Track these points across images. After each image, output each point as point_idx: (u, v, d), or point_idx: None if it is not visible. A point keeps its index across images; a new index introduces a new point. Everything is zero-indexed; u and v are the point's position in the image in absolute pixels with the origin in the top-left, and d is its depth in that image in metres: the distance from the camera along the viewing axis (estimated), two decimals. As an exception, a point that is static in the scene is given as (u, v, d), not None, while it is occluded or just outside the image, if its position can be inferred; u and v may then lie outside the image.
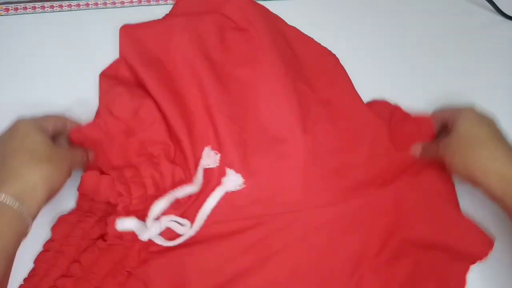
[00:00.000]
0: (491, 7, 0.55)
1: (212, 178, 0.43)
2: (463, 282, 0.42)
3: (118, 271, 0.39)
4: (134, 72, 0.46)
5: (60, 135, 0.40)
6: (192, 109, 0.44)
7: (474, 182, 0.39)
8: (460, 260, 0.42)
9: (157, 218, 0.40)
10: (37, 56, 0.48)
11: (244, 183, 0.42)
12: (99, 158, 0.42)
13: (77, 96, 0.46)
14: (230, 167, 0.43)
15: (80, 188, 0.41)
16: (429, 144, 0.44)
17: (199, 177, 0.42)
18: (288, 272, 0.41)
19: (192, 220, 0.41)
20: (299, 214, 0.42)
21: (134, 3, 0.52)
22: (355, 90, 0.49)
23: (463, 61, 0.53)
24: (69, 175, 0.37)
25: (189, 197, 0.42)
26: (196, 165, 0.43)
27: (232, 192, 0.42)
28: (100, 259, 0.38)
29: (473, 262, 0.42)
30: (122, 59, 0.47)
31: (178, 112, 0.44)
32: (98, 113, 0.45)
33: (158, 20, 0.50)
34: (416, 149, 0.45)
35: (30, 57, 0.48)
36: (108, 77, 0.46)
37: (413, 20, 0.55)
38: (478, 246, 0.42)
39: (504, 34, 0.55)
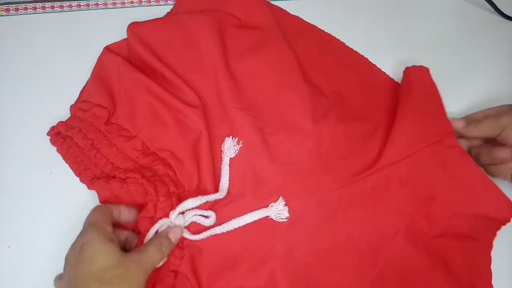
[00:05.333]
0: (490, 7, 0.55)
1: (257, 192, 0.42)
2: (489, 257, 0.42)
3: (164, 274, 0.38)
4: (146, 64, 0.46)
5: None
6: (207, 102, 0.45)
7: None
8: (486, 227, 0.43)
9: (182, 213, 0.40)
10: (38, 57, 0.48)
11: (285, 215, 0.41)
12: (99, 161, 0.42)
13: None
14: (252, 149, 0.43)
15: (100, 201, 0.41)
16: (476, 120, 0.44)
17: (224, 176, 0.42)
18: (315, 253, 0.41)
19: (219, 218, 0.41)
20: (317, 197, 0.42)
21: (134, 4, 0.52)
22: (370, 68, 0.50)
23: (462, 61, 0.53)
24: (145, 280, 0.34)
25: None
26: (214, 157, 0.43)
27: (258, 175, 0.42)
28: None
29: (498, 228, 0.43)
30: (129, 44, 0.47)
31: (194, 105, 0.44)
32: (84, 89, 0.46)
33: (165, 17, 0.50)
34: (457, 123, 0.45)
35: (31, 57, 0.48)
36: (112, 52, 0.46)
37: (413, 20, 0.55)
38: (503, 211, 0.42)
39: (504, 34, 0.55)
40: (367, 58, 0.51)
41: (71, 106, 0.45)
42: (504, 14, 0.55)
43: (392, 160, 0.43)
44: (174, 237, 0.38)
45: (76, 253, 0.33)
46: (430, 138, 0.44)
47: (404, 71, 0.48)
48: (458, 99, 0.49)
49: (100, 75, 0.46)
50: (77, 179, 0.42)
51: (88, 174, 0.42)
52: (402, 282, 0.41)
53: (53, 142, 0.43)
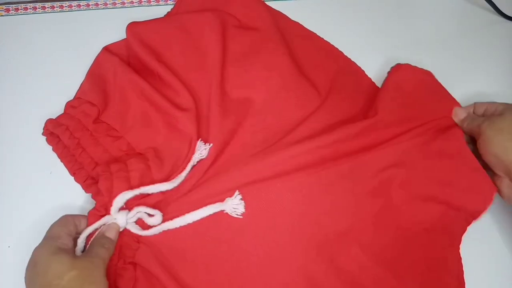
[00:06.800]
0: (490, 7, 0.55)
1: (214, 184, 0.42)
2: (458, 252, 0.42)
3: (122, 267, 0.38)
4: (144, 65, 0.45)
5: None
6: (202, 102, 0.45)
7: (507, 170, 0.39)
8: (456, 221, 0.42)
9: (129, 209, 0.39)
10: (38, 57, 0.48)
11: (241, 210, 0.41)
12: (84, 160, 0.42)
13: (77, 96, 0.46)
14: (227, 155, 0.43)
15: None
16: (473, 117, 0.43)
17: (183, 174, 0.41)
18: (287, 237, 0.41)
19: (172, 214, 0.40)
20: (291, 183, 0.42)
21: (134, 4, 0.52)
22: (364, 79, 0.50)
23: (462, 61, 0.53)
24: (103, 273, 0.35)
25: (176, 191, 0.41)
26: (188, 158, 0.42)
27: (225, 176, 0.42)
28: None
29: (469, 223, 0.42)
30: (128, 44, 0.47)
31: (186, 108, 0.44)
32: (80, 87, 0.46)
33: (165, 17, 0.50)
34: (459, 113, 0.44)
35: (31, 57, 0.48)
36: (109, 53, 0.46)
37: (414, 20, 0.55)
38: (481, 200, 0.41)
39: (504, 34, 0.55)
40: (363, 70, 0.50)
41: (66, 103, 0.45)
42: (504, 14, 0.55)
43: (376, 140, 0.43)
44: (111, 233, 0.38)
45: (31, 270, 0.34)
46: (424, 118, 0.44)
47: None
48: (458, 99, 0.49)
49: (95, 74, 0.46)
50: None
51: (82, 174, 0.42)
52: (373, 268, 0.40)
53: (48, 141, 0.43)
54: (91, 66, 0.46)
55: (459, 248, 0.42)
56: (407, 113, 0.45)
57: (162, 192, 0.41)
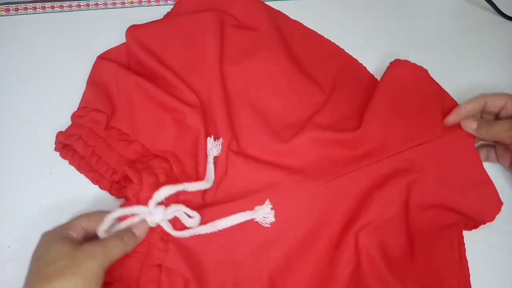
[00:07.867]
0: (490, 7, 0.55)
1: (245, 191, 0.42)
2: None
3: (148, 268, 0.38)
4: (145, 67, 0.45)
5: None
6: (204, 102, 0.45)
7: None
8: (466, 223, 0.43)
9: (166, 205, 0.39)
10: (38, 57, 0.48)
11: (271, 219, 0.41)
12: (100, 167, 0.42)
13: (78, 97, 0.45)
14: (233, 151, 0.43)
15: None
16: (489, 122, 0.43)
17: (210, 172, 0.41)
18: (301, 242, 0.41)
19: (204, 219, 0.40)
20: (305, 192, 0.42)
21: (134, 4, 0.52)
22: (366, 75, 0.50)
23: (462, 62, 0.53)
24: (100, 271, 0.33)
25: (204, 195, 0.42)
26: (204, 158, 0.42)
27: (241, 176, 0.42)
28: (125, 264, 0.37)
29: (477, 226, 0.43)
30: (123, 49, 0.47)
31: (194, 105, 0.44)
32: (83, 97, 0.45)
33: (164, 19, 0.50)
34: (469, 124, 0.44)
35: (31, 57, 0.48)
36: (105, 59, 0.46)
37: (413, 20, 0.55)
38: (488, 210, 0.42)
39: (504, 34, 0.55)
40: (365, 67, 0.51)
41: (72, 114, 0.44)
42: (504, 14, 0.55)
43: (385, 153, 0.44)
44: (139, 231, 0.37)
45: (35, 252, 0.34)
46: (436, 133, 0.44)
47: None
48: (458, 99, 0.49)
49: (96, 82, 0.45)
50: (77, 179, 0.42)
51: (105, 181, 0.42)
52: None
53: (63, 155, 0.43)
54: (89, 75, 0.46)
55: (464, 251, 0.42)
56: (408, 112, 0.45)
57: (200, 193, 0.41)
